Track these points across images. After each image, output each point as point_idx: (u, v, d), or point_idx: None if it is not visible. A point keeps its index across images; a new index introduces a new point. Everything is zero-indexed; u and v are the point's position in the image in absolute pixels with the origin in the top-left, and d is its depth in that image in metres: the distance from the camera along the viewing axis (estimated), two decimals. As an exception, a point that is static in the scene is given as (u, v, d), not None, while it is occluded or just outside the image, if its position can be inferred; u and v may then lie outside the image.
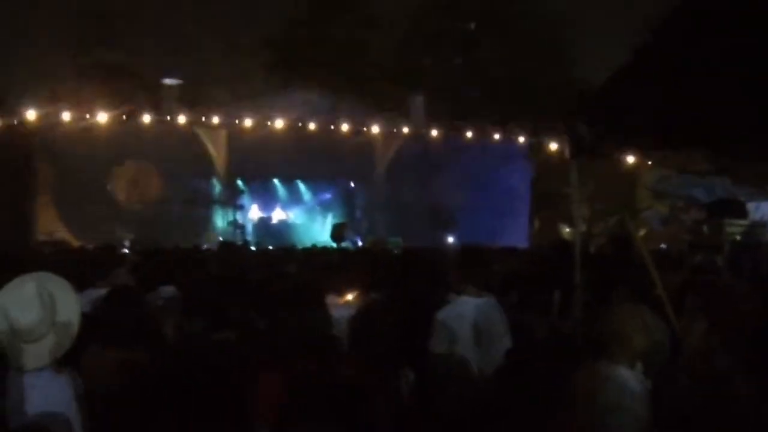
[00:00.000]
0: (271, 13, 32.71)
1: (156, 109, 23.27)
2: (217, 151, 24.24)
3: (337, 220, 25.28)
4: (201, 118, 23.63)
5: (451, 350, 5.87)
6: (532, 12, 33.02)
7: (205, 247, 18.34)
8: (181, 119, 23.17)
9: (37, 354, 3.80)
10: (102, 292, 5.74)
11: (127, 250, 17.00)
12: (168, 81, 24.64)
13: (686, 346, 4.51)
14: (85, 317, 4.15)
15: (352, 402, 3.88)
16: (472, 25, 33.31)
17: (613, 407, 3.80)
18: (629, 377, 3.88)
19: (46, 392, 3.79)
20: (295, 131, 24.16)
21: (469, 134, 25.96)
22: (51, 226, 22.13)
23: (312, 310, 4.50)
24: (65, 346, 3.91)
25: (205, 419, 3.98)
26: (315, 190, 26.80)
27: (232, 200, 24.36)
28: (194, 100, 24.53)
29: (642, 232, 21.99)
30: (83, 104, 22.15)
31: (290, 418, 3.82)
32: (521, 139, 26.62)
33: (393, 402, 4.23)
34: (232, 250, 14.86)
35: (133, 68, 30.00)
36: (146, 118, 22.81)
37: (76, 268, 7.14)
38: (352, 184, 26.82)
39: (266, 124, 23.95)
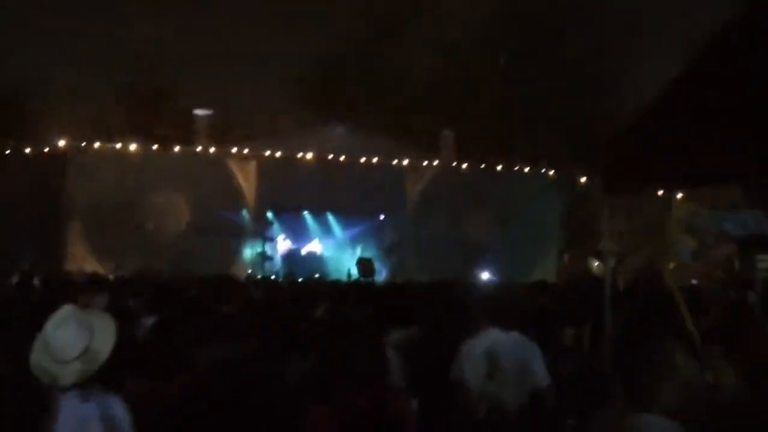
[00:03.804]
0: (304, 48, 32.93)
1: (187, 138, 23.36)
2: (247, 183, 24.27)
3: (365, 254, 25.09)
4: (232, 150, 23.72)
5: (479, 382, 5.76)
6: (565, 46, 33.02)
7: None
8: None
9: (62, 375, 3.88)
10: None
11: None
12: (199, 112, 24.76)
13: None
14: (131, 346, 4.24)
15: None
16: (503, 60, 33.29)
17: None
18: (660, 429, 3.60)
19: (67, 412, 3.84)
20: (326, 164, 24.24)
21: (500, 168, 25.88)
22: (81, 254, 22.19)
23: (366, 343, 4.41)
24: (89, 373, 3.95)
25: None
26: (345, 222, 26.75)
27: (261, 232, 24.38)
28: (225, 131, 24.63)
29: (672, 265, 21.81)
30: (115, 131, 22.31)
31: None
32: (552, 174, 26.52)
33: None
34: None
35: (165, 95, 30.28)
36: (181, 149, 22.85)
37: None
38: (382, 217, 26.75)
39: (297, 157, 24.02)
